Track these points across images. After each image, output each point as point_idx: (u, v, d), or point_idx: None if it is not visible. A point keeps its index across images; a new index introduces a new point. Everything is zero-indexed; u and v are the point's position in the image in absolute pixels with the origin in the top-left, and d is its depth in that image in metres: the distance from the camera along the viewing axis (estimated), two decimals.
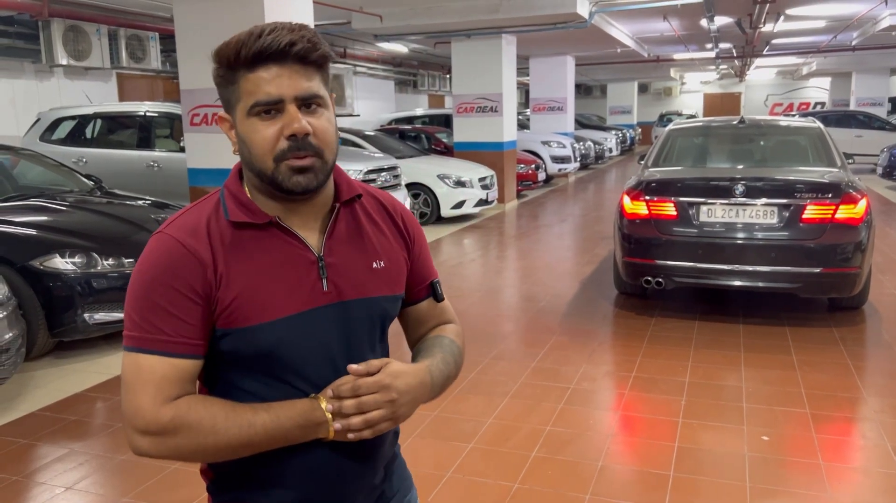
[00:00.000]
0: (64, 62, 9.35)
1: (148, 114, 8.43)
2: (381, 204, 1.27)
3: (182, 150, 7.15)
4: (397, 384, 1.10)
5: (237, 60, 1.07)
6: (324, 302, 1.13)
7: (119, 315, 4.74)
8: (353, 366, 1.09)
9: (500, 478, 3.09)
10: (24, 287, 4.42)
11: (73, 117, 8.81)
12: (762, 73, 29.34)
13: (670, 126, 6.43)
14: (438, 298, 1.32)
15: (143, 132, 8.38)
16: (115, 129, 8.83)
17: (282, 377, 1.12)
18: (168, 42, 10.59)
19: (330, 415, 1.08)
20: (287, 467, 1.14)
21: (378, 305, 1.19)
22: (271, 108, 1.07)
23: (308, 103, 1.09)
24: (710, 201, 5.04)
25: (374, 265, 1.19)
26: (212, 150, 6.04)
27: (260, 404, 1.09)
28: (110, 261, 4.75)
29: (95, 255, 4.69)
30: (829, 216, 4.79)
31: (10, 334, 3.82)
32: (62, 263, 4.57)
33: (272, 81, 1.06)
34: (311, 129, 1.08)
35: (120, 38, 10.11)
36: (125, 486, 3.10)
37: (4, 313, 3.83)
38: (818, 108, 27.63)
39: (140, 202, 5.91)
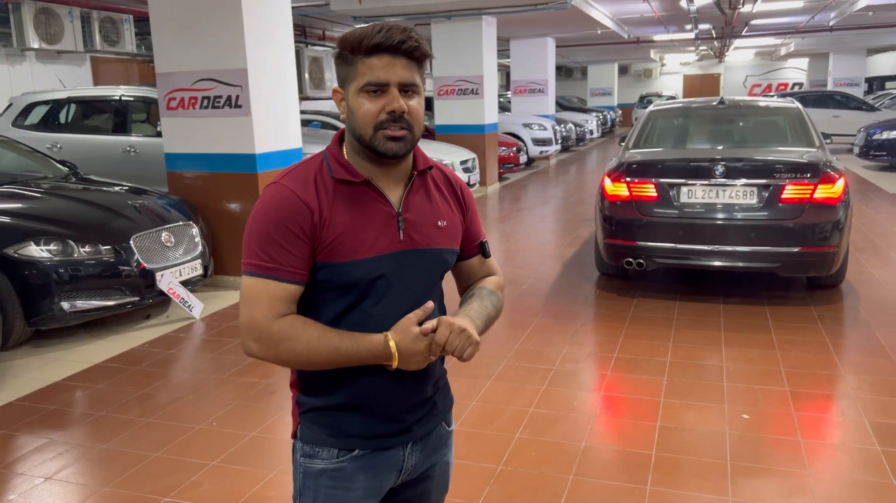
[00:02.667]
0: (36, 46, 9.15)
1: (123, 98, 8.28)
2: (446, 176, 1.56)
3: (159, 134, 7.03)
4: (465, 324, 1.37)
5: (359, 48, 1.34)
6: (401, 248, 1.41)
7: (97, 303, 4.69)
8: (424, 327, 1.36)
9: (485, 461, 3.10)
10: None
11: (46, 102, 8.62)
12: (741, 55, 29.46)
13: (650, 107, 6.43)
14: (486, 255, 1.62)
15: (119, 117, 8.23)
16: (90, 113, 8.66)
17: (361, 304, 1.39)
18: (143, 25, 10.38)
19: (396, 352, 1.35)
20: (358, 382, 1.42)
21: (441, 255, 1.48)
22: (378, 89, 1.34)
23: (406, 89, 1.36)
24: (690, 182, 5.06)
25: (440, 223, 1.47)
26: (189, 134, 5.95)
27: (346, 332, 1.36)
28: (87, 249, 4.68)
29: (72, 243, 4.62)
30: (808, 196, 4.83)
31: None
32: (37, 251, 4.49)
33: (383, 68, 1.33)
34: (406, 109, 1.35)
35: (93, 21, 9.90)
36: (107, 475, 3.07)
37: None
38: (796, 88, 27.85)
39: (117, 188, 5.82)
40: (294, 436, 1.51)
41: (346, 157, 1.42)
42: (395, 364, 1.37)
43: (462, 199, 1.55)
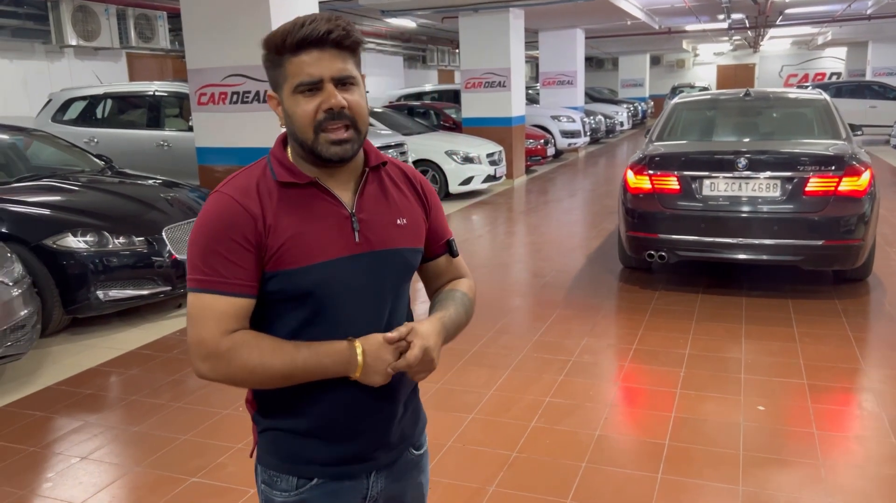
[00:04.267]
0: (74, 43, 9.42)
1: (157, 93, 8.50)
2: (404, 172, 1.46)
3: (191, 129, 7.22)
4: (432, 344, 1.29)
5: (284, 47, 1.25)
6: (356, 251, 1.31)
7: (130, 292, 4.86)
8: (389, 335, 1.27)
9: (499, 447, 3.18)
10: (38, 265, 4.53)
11: (83, 98, 8.89)
12: (777, 44, 28.88)
13: (675, 100, 6.41)
14: (454, 254, 1.51)
15: (153, 112, 8.46)
16: (126, 108, 8.91)
17: (320, 314, 1.30)
18: (176, 21, 10.60)
19: (361, 360, 1.26)
20: (321, 399, 1.32)
21: (402, 255, 1.38)
22: (312, 87, 1.25)
23: (343, 82, 1.27)
24: (712, 175, 5.06)
25: (399, 222, 1.37)
26: (219, 128, 6.11)
27: (302, 342, 1.27)
28: (121, 240, 4.86)
29: (107, 234, 4.80)
30: (833, 188, 4.80)
31: (26, 311, 3.93)
32: (75, 242, 4.67)
33: (313, 64, 1.24)
34: (345, 104, 1.26)
35: (128, 18, 10.16)
36: (139, 456, 3.22)
37: (19, 291, 3.94)
38: (834, 78, 27.23)
39: (150, 181, 6.00)
40: (251, 455, 1.44)
41: (290, 160, 1.32)
42: (358, 373, 1.27)
43: (424, 196, 1.45)
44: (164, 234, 5.02)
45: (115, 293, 4.80)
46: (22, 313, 3.90)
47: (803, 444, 3.14)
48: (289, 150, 1.34)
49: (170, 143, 8.07)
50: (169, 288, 5.03)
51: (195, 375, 1.29)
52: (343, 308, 1.30)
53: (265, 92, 5.94)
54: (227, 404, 3.69)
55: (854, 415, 3.51)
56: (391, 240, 1.36)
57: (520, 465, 3.03)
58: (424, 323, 1.32)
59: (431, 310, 1.44)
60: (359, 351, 1.26)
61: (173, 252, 5.03)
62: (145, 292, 4.93)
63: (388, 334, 1.27)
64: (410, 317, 1.45)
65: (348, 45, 1.26)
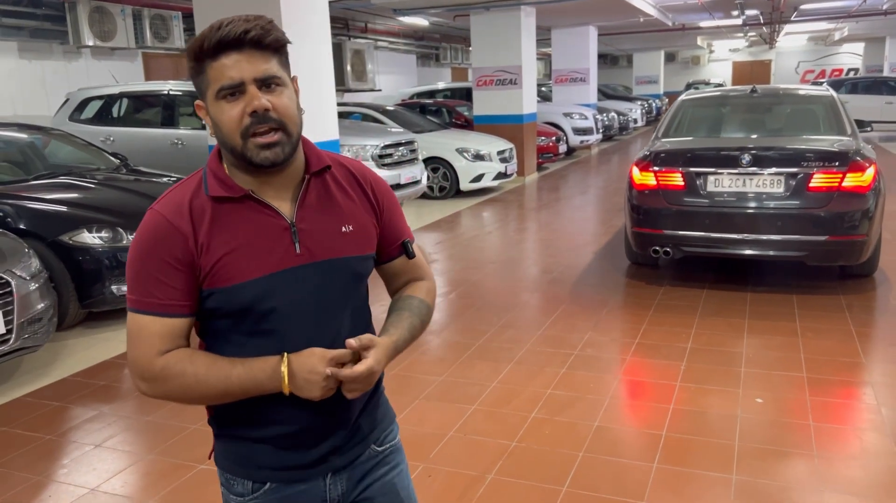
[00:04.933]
0: (91, 43, 9.58)
1: (172, 92, 8.64)
2: (352, 173, 1.39)
3: (205, 127, 7.34)
4: (378, 368, 1.28)
5: (202, 52, 1.21)
6: (297, 263, 1.27)
7: None
8: (351, 342, 1.25)
9: (500, 437, 3.25)
10: (54, 261, 4.66)
11: (100, 97, 9.05)
12: (793, 40, 28.65)
13: (682, 97, 6.44)
14: (410, 256, 1.47)
15: (168, 110, 8.60)
16: (141, 107, 9.06)
17: (261, 331, 1.28)
18: (191, 21, 10.74)
19: (286, 376, 1.23)
20: (270, 410, 1.30)
21: (348, 264, 1.33)
22: (235, 91, 1.20)
23: (267, 83, 1.22)
24: (717, 171, 5.09)
25: (344, 229, 1.33)
26: None
27: (238, 359, 1.25)
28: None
29: (121, 230, 4.92)
30: (836, 184, 4.81)
31: (42, 304, 4.06)
32: (90, 238, 4.80)
33: (233, 66, 1.20)
34: (270, 106, 1.20)
35: (144, 18, 10.31)
36: (150, 444, 3.32)
37: (36, 285, 4.07)
38: (851, 74, 26.96)
39: (164, 179, 6.13)
40: (210, 457, 1.44)
41: (226, 172, 1.28)
42: (286, 389, 1.24)
43: (374, 198, 1.39)
44: None
45: None
46: (39, 307, 4.03)
47: (799, 436, 3.19)
48: (223, 160, 1.29)
49: (184, 142, 8.21)
50: None
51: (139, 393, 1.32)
52: (287, 323, 1.27)
53: None
54: None
55: (852, 407, 3.54)
56: (335, 249, 1.31)
57: (519, 454, 3.10)
58: (381, 344, 1.29)
59: (388, 317, 1.42)
60: (283, 366, 1.23)
61: None
62: None
63: (351, 341, 1.24)
64: (369, 325, 1.42)
65: (270, 45, 1.22)
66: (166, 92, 8.67)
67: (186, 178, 1.32)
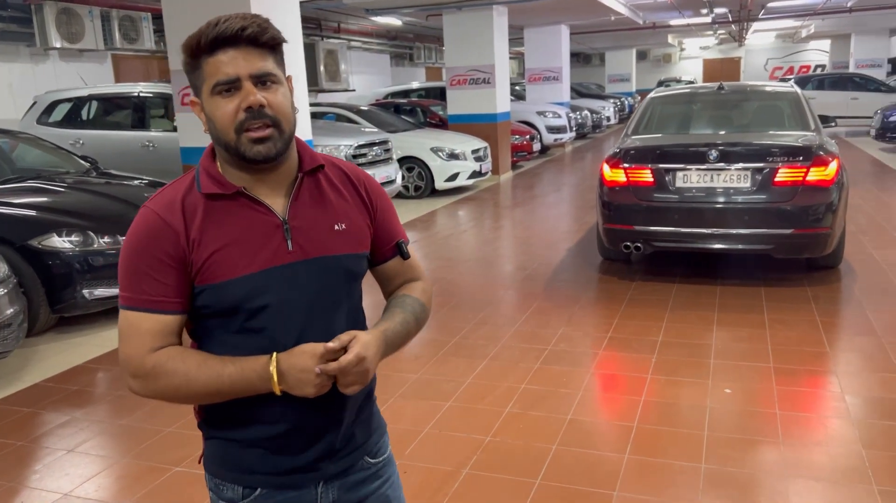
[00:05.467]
0: (58, 45, 9.45)
1: (142, 94, 8.56)
2: (345, 174, 1.40)
3: (176, 129, 7.28)
4: (370, 355, 1.25)
5: (199, 48, 1.23)
6: (289, 260, 1.27)
7: (115, 291, 4.93)
8: (329, 345, 1.22)
9: (474, 433, 3.28)
10: (24, 266, 4.61)
11: (68, 100, 8.94)
12: (761, 37, 29.11)
13: (650, 94, 6.54)
14: (405, 257, 1.46)
15: (138, 113, 8.52)
16: (111, 110, 8.96)
17: (252, 329, 1.27)
18: (161, 22, 10.63)
19: (275, 375, 1.22)
20: (263, 411, 1.29)
21: (340, 262, 1.33)
22: (230, 87, 1.22)
23: (263, 80, 1.23)
24: (685, 167, 5.17)
25: (336, 227, 1.33)
26: (201, 128, 6.17)
27: (229, 358, 1.24)
28: (106, 240, 4.93)
29: (92, 234, 4.87)
30: (801, 178, 4.92)
31: (12, 310, 4.02)
32: (60, 242, 4.75)
33: (229, 63, 1.21)
34: (265, 102, 1.22)
35: (113, 20, 10.19)
36: (125, 448, 3.31)
37: (5, 290, 4.02)
38: (818, 70, 27.47)
39: (136, 182, 6.08)
40: (199, 462, 1.41)
41: (219, 169, 1.29)
42: (276, 388, 1.23)
43: (367, 198, 1.40)
44: None
45: (101, 292, 4.88)
46: (8, 312, 3.98)
47: (765, 424, 3.26)
48: (217, 157, 1.30)
49: (155, 144, 8.14)
50: None
51: (130, 392, 1.30)
52: (278, 320, 1.27)
53: None
54: None
55: (817, 396, 3.63)
56: (328, 246, 1.31)
57: (493, 449, 3.14)
58: (366, 333, 1.28)
59: (382, 315, 1.41)
60: (272, 366, 1.22)
61: None
62: None
63: (329, 343, 1.22)
64: (362, 322, 1.41)
65: (266, 42, 1.23)
66: (136, 94, 8.59)
67: (179, 177, 1.33)
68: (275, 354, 1.24)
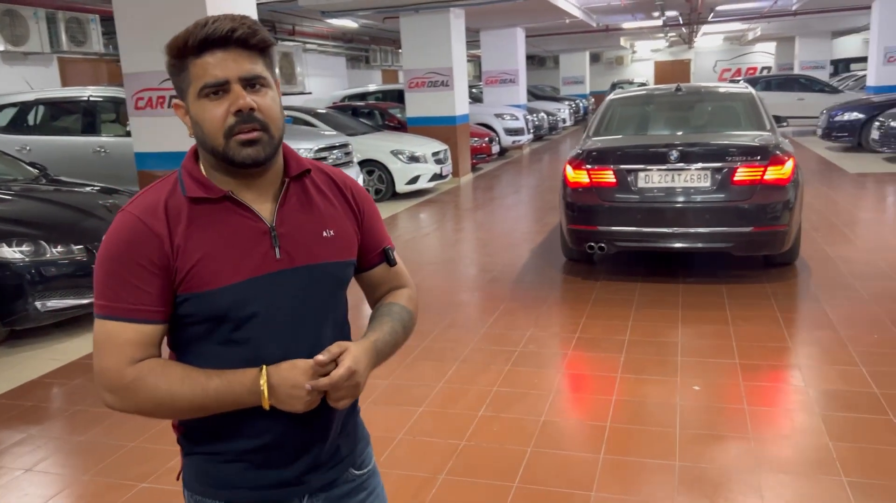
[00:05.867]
0: (1, 48, 9.13)
1: (92, 98, 8.31)
2: (332, 179, 1.37)
3: (128, 134, 7.08)
4: (360, 368, 1.22)
5: (186, 49, 1.18)
6: (276, 268, 1.23)
7: (71, 301, 4.76)
8: (319, 358, 1.18)
9: (448, 437, 3.25)
10: None
11: (13, 104, 8.63)
12: (710, 40, 29.83)
13: (609, 96, 6.61)
14: (391, 263, 1.43)
15: (88, 117, 8.27)
16: (59, 115, 8.68)
17: (236, 340, 1.22)
18: (110, 24, 10.35)
19: (265, 390, 1.17)
20: (247, 425, 1.25)
21: (329, 270, 1.30)
22: (219, 90, 1.17)
23: (252, 83, 1.19)
24: (646, 168, 5.24)
25: (325, 234, 1.29)
26: (158, 133, 6.02)
27: (214, 371, 1.19)
28: (59, 249, 4.76)
29: (44, 243, 4.69)
30: (759, 177, 5.03)
31: None
32: (10, 252, 4.56)
33: (218, 65, 1.17)
34: (255, 105, 1.18)
35: (59, 22, 9.88)
36: (85, 465, 3.18)
37: None
38: (764, 72, 28.27)
39: (87, 188, 5.89)
40: (178, 478, 1.36)
41: (203, 173, 1.24)
42: (265, 403, 1.18)
43: (354, 204, 1.37)
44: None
45: (55, 303, 4.70)
46: None
47: (735, 420, 3.31)
48: (201, 162, 1.25)
49: (107, 149, 7.90)
50: None
51: (105, 406, 1.23)
52: (265, 330, 1.22)
53: None
54: None
55: (782, 390, 3.71)
56: (316, 254, 1.27)
57: (468, 453, 3.12)
58: (356, 345, 1.25)
59: (369, 324, 1.38)
60: (262, 380, 1.17)
61: None
62: (86, 301, 4.83)
63: (319, 356, 1.18)
64: (347, 333, 1.37)
65: (255, 45, 1.20)
66: (86, 98, 8.34)
67: (159, 180, 1.26)
68: (264, 368, 1.19)
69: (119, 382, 1.18)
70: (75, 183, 6.07)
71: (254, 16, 6.20)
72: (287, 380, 1.18)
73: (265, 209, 1.25)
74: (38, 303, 4.61)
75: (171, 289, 1.20)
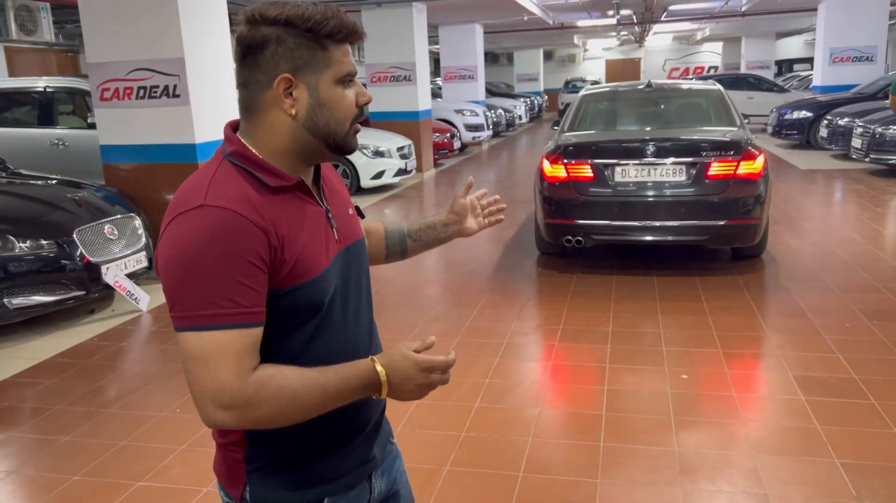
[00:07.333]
0: None
1: (48, 89, 8.00)
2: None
3: (90, 126, 6.85)
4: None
5: (328, 33, 1.15)
6: (338, 249, 1.24)
7: (40, 299, 4.59)
8: (431, 339, 1.24)
9: (448, 429, 3.26)
10: None
11: None
12: (659, 39, 30.49)
13: (583, 92, 6.70)
14: (363, 216, 1.48)
15: (44, 109, 7.96)
16: (10, 106, 8.33)
17: (321, 325, 1.20)
18: (61, 13, 9.99)
19: (385, 379, 1.16)
20: (324, 418, 1.20)
21: (364, 244, 1.36)
22: (351, 80, 1.20)
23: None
24: (623, 162, 5.33)
25: (350, 212, 1.34)
26: (125, 125, 5.84)
27: (325, 367, 1.15)
28: (27, 244, 4.59)
29: (11, 238, 4.52)
30: (732, 172, 5.18)
31: None
32: None
33: (349, 56, 1.19)
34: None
35: (8, 9, 9.44)
36: (75, 465, 3.08)
37: None
38: (712, 71, 29.03)
39: (51, 181, 5.68)
40: (240, 499, 1.25)
41: (262, 159, 1.17)
42: (384, 393, 1.17)
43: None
44: (74, 236, 4.77)
45: (22, 300, 4.53)
46: None
47: (725, 406, 3.41)
48: (254, 148, 1.17)
49: (65, 142, 7.63)
50: (82, 292, 4.79)
51: (208, 426, 1.14)
52: (338, 312, 1.22)
53: (174, 86, 5.77)
54: (163, 407, 3.58)
55: (766, 378, 3.83)
56: (354, 231, 1.31)
57: (471, 444, 3.13)
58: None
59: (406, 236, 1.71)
60: (380, 372, 1.16)
61: (86, 255, 4.79)
62: (55, 298, 4.68)
63: (426, 346, 1.21)
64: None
65: (355, 43, 1.24)
66: (41, 89, 8.02)
67: (205, 170, 1.17)
68: (374, 359, 1.18)
69: (241, 397, 1.08)
70: (37, 176, 5.85)
71: (224, 9, 6.07)
72: (399, 371, 1.17)
73: (315, 193, 1.25)
74: (5, 300, 4.43)
75: (268, 285, 1.13)
